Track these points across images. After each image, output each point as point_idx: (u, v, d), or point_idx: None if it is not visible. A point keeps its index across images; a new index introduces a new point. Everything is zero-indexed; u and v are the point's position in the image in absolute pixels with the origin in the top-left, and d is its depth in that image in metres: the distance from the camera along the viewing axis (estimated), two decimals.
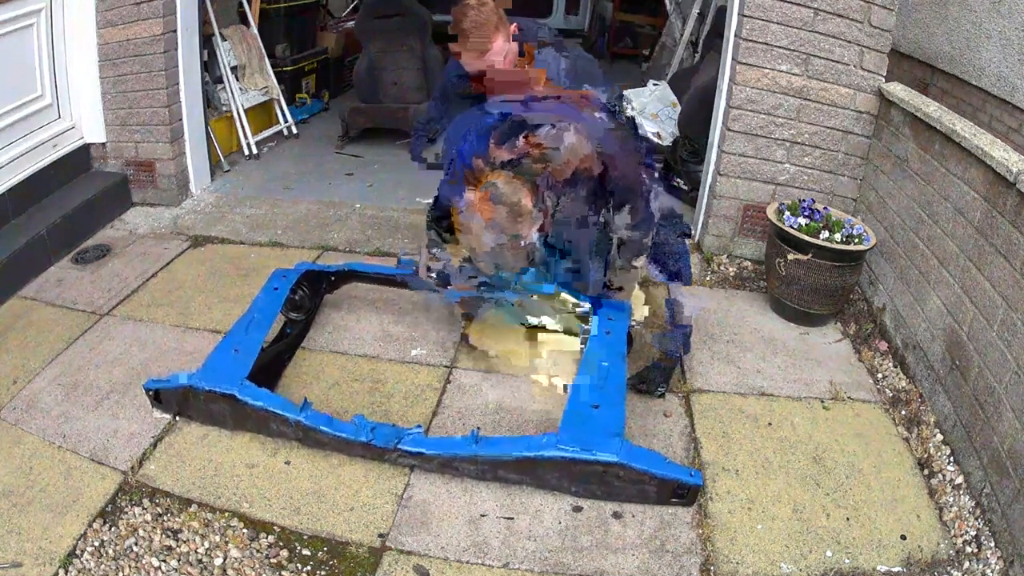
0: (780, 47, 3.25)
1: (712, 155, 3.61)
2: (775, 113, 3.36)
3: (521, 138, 2.49)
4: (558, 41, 2.82)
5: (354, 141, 5.32)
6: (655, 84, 5.40)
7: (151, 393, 2.42)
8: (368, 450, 2.23)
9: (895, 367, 2.90)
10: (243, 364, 2.38)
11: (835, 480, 2.32)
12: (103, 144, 3.98)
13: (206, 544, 2.01)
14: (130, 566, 1.94)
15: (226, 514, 2.11)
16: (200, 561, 1.97)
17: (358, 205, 4.20)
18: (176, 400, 2.41)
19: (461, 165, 2.57)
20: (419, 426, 2.28)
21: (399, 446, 2.18)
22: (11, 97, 3.41)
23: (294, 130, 5.44)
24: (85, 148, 3.95)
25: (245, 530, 2.06)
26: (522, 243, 2.56)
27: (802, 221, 3.09)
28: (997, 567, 2.01)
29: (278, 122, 5.39)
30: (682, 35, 6.06)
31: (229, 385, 2.29)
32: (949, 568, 2.04)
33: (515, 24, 2.69)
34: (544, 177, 2.51)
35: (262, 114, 5.30)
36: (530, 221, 2.52)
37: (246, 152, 4.92)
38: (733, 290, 3.46)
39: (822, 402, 2.68)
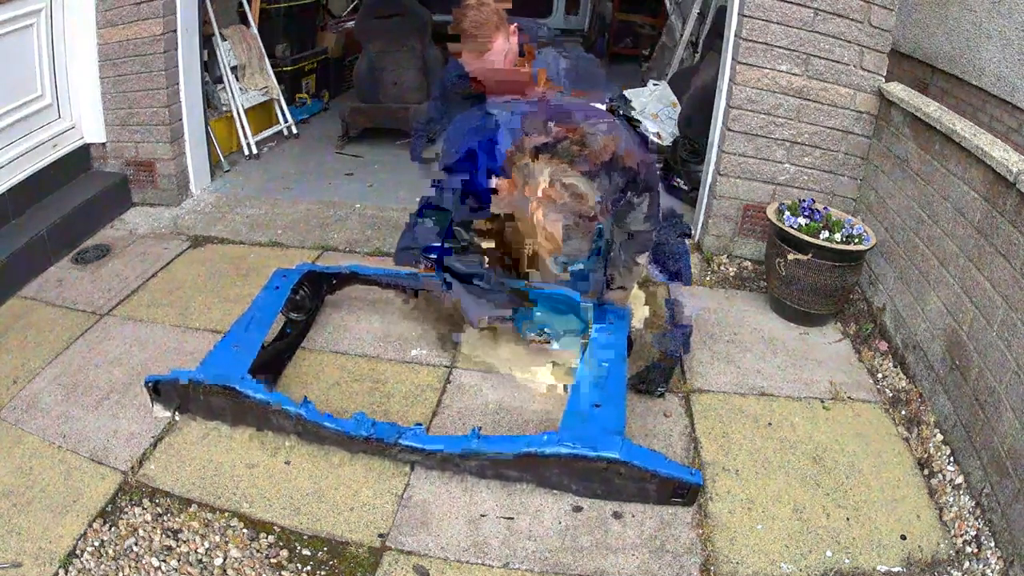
0: (780, 47, 3.25)
1: (712, 155, 3.61)
2: (775, 113, 3.36)
3: (553, 125, 2.49)
4: (558, 41, 2.82)
5: (354, 141, 5.32)
6: (655, 84, 5.41)
7: (151, 386, 2.42)
8: (369, 445, 2.23)
9: (895, 367, 2.90)
10: (243, 360, 2.39)
11: (835, 480, 2.32)
12: (103, 144, 3.98)
13: (206, 544, 2.01)
14: (130, 566, 1.94)
15: (226, 514, 2.11)
16: (200, 561, 1.97)
17: (358, 205, 4.20)
18: (176, 394, 2.41)
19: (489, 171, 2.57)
20: (419, 424, 2.29)
21: (400, 441, 2.19)
22: (11, 97, 3.41)
23: (294, 130, 5.44)
24: (85, 148, 3.95)
25: (245, 530, 2.06)
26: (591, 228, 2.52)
27: (802, 221, 3.09)
28: (997, 567, 2.01)
29: (278, 122, 5.39)
30: (682, 35, 6.06)
31: (230, 379, 2.30)
32: (949, 568, 2.04)
33: (515, 24, 2.68)
34: (582, 159, 2.50)
35: (262, 114, 5.30)
36: (594, 202, 2.49)
37: (246, 152, 4.92)
38: (733, 290, 3.46)
39: (822, 402, 2.68)
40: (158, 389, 2.42)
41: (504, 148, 2.55)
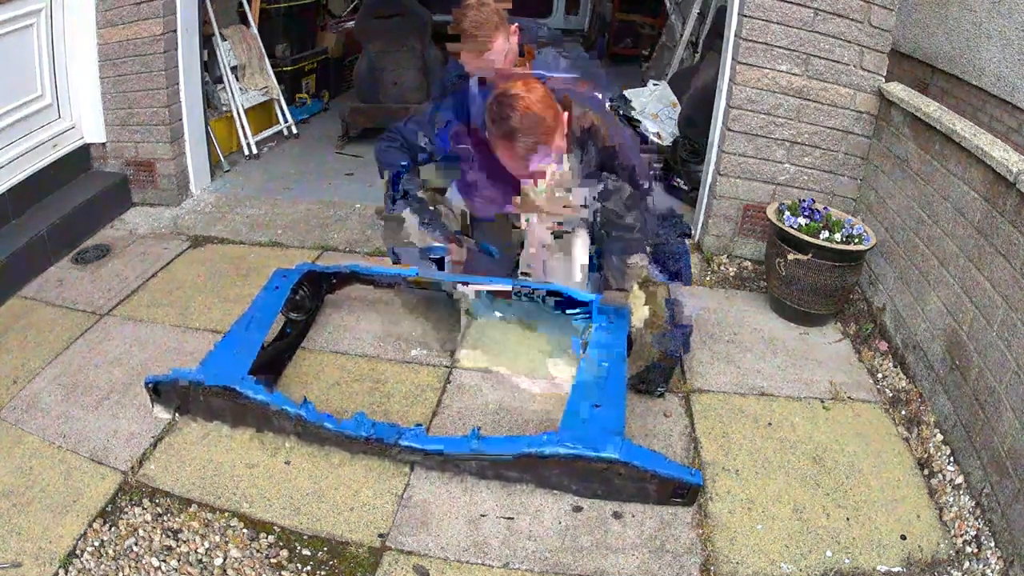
0: (780, 47, 3.25)
1: (712, 155, 3.61)
2: (775, 113, 3.36)
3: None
4: (558, 41, 2.82)
5: (354, 141, 5.32)
6: (655, 84, 5.40)
7: (151, 387, 2.42)
8: (369, 446, 2.23)
9: (895, 367, 2.90)
10: (244, 361, 2.38)
11: (835, 480, 2.32)
12: (103, 144, 3.98)
13: (206, 544, 2.01)
14: (130, 566, 1.94)
15: (226, 514, 2.11)
16: (200, 561, 1.97)
17: (358, 205, 4.19)
18: (177, 395, 2.40)
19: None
20: (419, 425, 2.29)
21: (400, 442, 2.18)
22: (11, 97, 3.41)
23: (294, 130, 5.44)
24: (85, 148, 3.95)
25: (245, 530, 2.06)
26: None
27: (802, 221, 3.08)
28: (997, 567, 2.01)
29: (278, 122, 5.39)
30: (682, 35, 6.06)
31: (230, 380, 2.29)
32: (949, 568, 2.04)
33: (515, 24, 2.68)
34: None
35: (262, 114, 5.30)
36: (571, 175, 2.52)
37: (246, 152, 4.92)
38: (733, 290, 3.46)
39: (822, 402, 2.68)
40: (158, 390, 2.41)
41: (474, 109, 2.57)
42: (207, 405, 2.38)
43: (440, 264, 2.79)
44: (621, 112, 2.76)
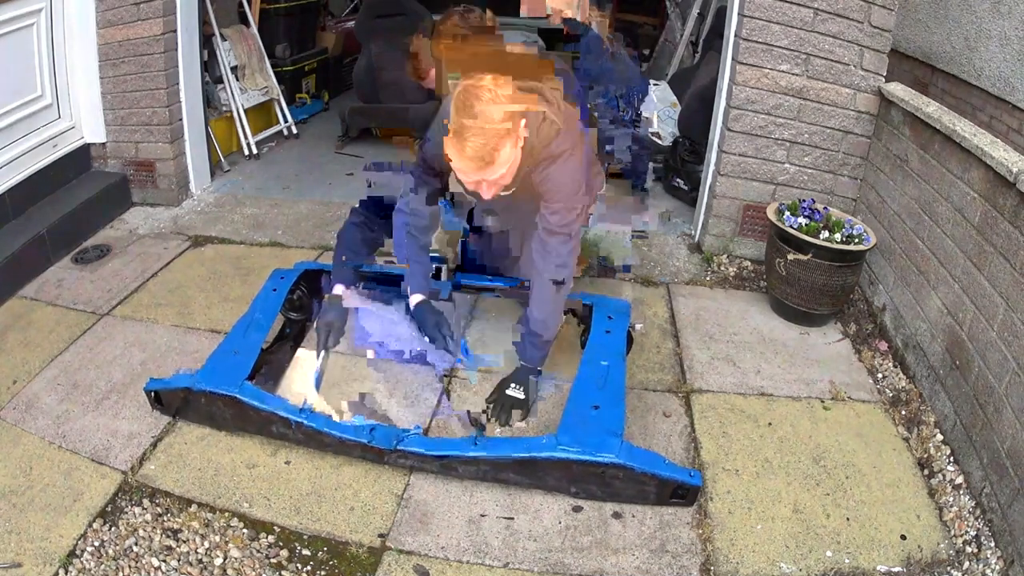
0: (780, 47, 3.25)
1: (712, 155, 3.61)
2: (775, 113, 3.36)
3: None
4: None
5: (354, 141, 5.32)
6: (655, 84, 5.40)
7: (151, 395, 2.42)
8: (368, 451, 2.23)
9: (895, 367, 2.90)
10: (243, 365, 2.37)
11: (835, 480, 2.32)
12: (103, 144, 3.98)
13: (206, 544, 2.01)
14: (130, 566, 1.94)
15: (226, 514, 2.11)
16: (200, 561, 1.97)
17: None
18: (176, 402, 2.40)
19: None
20: (418, 426, 2.28)
21: (399, 447, 2.18)
22: (11, 97, 3.41)
23: (294, 130, 5.43)
24: (85, 148, 3.95)
25: (245, 530, 2.06)
26: None
27: (802, 221, 3.08)
28: (997, 567, 2.01)
29: (278, 122, 5.38)
30: (682, 35, 6.05)
31: (230, 387, 2.29)
32: (949, 568, 2.04)
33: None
34: None
35: (262, 114, 5.30)
36: None
37: (246, 152, 4.92)
38: (733, 290, 3.46)
39: (822, 402, 2.68)
40: (159, 397, 2.41)
41: None
42: (208, 412, 2.37)
43: (438, 273, 2.79)
44: (625, 116, 2.73)
